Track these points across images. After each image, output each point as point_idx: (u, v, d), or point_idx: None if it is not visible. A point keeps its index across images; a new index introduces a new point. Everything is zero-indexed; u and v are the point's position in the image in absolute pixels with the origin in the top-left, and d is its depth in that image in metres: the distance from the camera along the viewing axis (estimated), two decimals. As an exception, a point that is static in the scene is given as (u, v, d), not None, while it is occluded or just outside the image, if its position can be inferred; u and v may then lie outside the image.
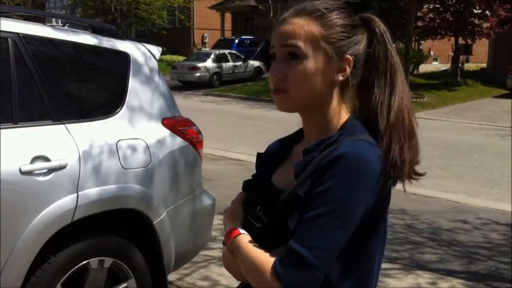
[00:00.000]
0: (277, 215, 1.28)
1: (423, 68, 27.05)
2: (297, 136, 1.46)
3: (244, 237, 1.31)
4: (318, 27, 1.29)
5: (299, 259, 1.17)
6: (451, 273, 4.75)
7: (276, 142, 1.52)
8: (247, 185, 1.47)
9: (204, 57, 24.09)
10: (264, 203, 1.34)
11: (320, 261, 1.17)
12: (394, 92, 1.32)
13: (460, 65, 23.98)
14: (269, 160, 1.46)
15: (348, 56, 1.31)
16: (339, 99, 1.34)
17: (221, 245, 1.45)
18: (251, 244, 1.28)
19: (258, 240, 1.29)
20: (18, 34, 2.89)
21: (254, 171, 1.50)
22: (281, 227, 1.26)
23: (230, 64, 24.20)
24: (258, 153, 1.52)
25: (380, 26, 1.35)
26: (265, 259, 1.22)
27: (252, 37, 29.70)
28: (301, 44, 1.28)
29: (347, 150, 1.21)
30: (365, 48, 1.34)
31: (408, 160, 1.28)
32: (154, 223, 3.23)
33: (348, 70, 1.31)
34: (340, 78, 1.32)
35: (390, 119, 1.29)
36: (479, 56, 30.82)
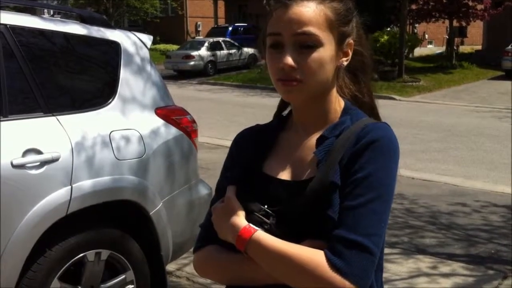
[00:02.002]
0: (301, 207, 1.20)
1: (418, 51, 26.99)
2: (279, 124, 1.39)
3: (264, 234, 1.19)
4: (329, 11, 1.25)
5: (360, 248, 1.13)
6: (451, 257, 4.74)
7: (250, 130, 1.43)
8: (234, 178, 1.33)
9: (198, 45, 23.97)
10: (268, 197, 1.25)
11: (378, 248, 1.15)
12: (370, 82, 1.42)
13: (455, 47, 23.90)
14: (252, 149, 1.36)
15: (351, 40, 1.30)
16: (336, 84, 1.33)
17: None
18: (281, 240, 1.18)
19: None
20: (5, 25, 2.83)
21: None
22: (304, 219, 1.19)
23: (225, 52, 24.09)
24: (234, 143, 1.43)
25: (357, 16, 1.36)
26: (312, 253, 1.14)
27: (246, 24, 29.56)
28: (317, 31, 1.23)
29: (380, 133, 1.22)
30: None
31: None
32: (150, 213, 3.19)
33: (350, 54, 1.31)
34: (345, 63, 1.30)
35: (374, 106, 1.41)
36: (474, 38, 30.74)
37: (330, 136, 1.27)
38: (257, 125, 1.44)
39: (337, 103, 1.33)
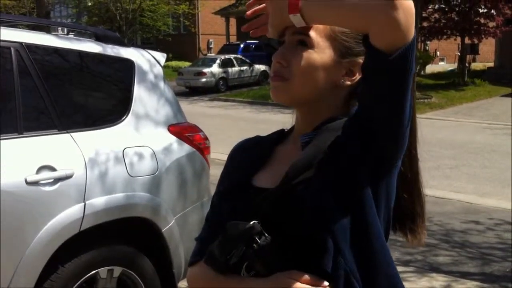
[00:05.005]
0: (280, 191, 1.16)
1: (430, 68, 26.94)
2: (279, 137, 1.35)
3: None
4: None
5: None
6: (465, 275, 4.69)
7: (247, 141, 1.39)
8: (222, 192, 1.29)
9: (210, 62, 24.09)
10: (253, 208, 1.17)
11: None
12: None
13: (467, 64, 23.84)
14: (245, 162, 1.32)
15: (360, 60, 1.21)
16: (343, 108, 1.25)
17: None
18: None
19: (264, 259, 1.12)
20: (20, 43, 2.86)
21: None
22: (291, 220, 1.13)
23: (236, 68, 24.18)
24: (230, 155, 1.39)
25: None
26: None
27: (257, 41, 29.68)
28: (313, 33, 1.21)
29: None
30: None
31: None
32: (162, 231, 3.19)
33: (357, 76, 1.22)
34: (347, 82, 1.23)
35: None
36: (486, 56, 30.65)
37: (321, 127, 1.23)
38: (257, 136, 1.40)
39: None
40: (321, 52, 1.21)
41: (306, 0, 1.13)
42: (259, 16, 1.27)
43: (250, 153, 1.33)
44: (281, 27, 1.21)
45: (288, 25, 1.19)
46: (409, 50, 1.07)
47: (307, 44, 1.21)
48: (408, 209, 1.31)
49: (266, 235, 1.12)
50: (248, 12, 1.27)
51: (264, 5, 1.23)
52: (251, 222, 1.12)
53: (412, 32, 1.07)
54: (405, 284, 4.26)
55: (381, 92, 1.10)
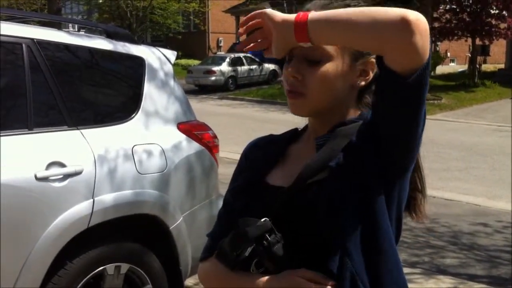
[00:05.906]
0: (291, 193, 1.16)
1: (440, 69, 26.83)
2: (292, 136, 1.36)
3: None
4: None
5: None
6: (472, 278, 4.67)
7: (261, 140, 1.39)
8: (236, 189, 1.29)
9: (219, 60, 24.11)
10: (267, 206, 1.19)
11: None
12: None
13: (477, 66, 23.71)
14: (259, 160, 1.31)
15: (372, 59, 1.20)
16: (356, 104, 1.27)
17: None
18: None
19: (273, 257, 1.13)
20: (32, 39, 2.88)
21: None
22: (300, 219, 1.14)
23: (245, 67, 24.19)
24: (243, 153, 1.38)
25: None
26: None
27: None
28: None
29: None
30: None
31: None
32: (170, 228, 3.20)
33: (371, 74, 1.23)
34: (362, 83, 1.24)
35: None
36: (497, 57, 30.51)
37: (336, 129, 1.23)
38: (271, 135, 1.40)
39: (353, 115, 1.27)
40: (336, 60, 1.20)
41: (312, 24, 1.10)
42: (253, 32, 1.23)
43: (264, 152, 1.33)
44: (287, 49, 1.19)
45: (294, 46, 1.17)
46: (426, 69, 1.06)
47: (320, 58, 1.19)
48: (411, 189, 1.30)
49: (277, 232, 1.13)
50: (241, 30, 1.24)
51: (258, 20, 1.20)
52: (262, 220, 1.14)
53: (428, 52, 1.06)
54: (412, 286, 4.25)
55: (397, 106, 1.10)
